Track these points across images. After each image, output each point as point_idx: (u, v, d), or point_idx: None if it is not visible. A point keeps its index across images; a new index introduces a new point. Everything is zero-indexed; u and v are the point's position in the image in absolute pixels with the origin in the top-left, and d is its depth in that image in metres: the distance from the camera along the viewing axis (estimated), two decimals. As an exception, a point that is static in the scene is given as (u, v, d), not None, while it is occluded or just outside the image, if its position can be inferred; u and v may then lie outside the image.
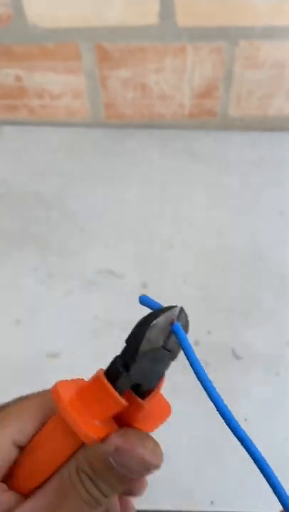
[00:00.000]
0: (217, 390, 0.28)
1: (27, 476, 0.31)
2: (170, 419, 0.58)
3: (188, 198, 0.77)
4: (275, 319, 0.65)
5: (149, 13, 0.72)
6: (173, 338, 0.29)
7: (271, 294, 0.67)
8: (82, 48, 0.77)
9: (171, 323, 0.29)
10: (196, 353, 0.29)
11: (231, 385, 0.59)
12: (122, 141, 0.85)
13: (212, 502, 0.52)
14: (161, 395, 0.32)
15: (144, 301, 0.32)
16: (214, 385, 0.28)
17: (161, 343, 0.28)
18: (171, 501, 0.53)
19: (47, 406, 0.32)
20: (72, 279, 0.69)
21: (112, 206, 0.76)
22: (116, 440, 0.28)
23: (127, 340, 0.29)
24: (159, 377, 0.31)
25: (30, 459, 0.31)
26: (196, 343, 0.61)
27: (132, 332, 0.29)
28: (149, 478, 0.53)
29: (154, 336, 0.28)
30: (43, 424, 0.31)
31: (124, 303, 0.67)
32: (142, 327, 0.28)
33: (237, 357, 0.61)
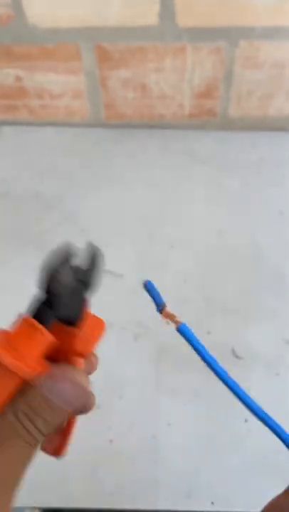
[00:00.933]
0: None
1: None
2: (171, 419, 0.58)
3: (188, 198, 0.77)
4: (275, 319, 0.65)
5: (149, 14, 0.72)
6: (84, 270, 0.32)
7: (271, 294, 0.67)
8: (83, 48, 0.77)
9: (69, 256, 0.31)
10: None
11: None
12: (122, 141, 0.85)
13: (212, 502, 0.52)
14: (92, 315, 0.34)
15: (148, 286, 0.33)
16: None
17: (70, 277, 0.31)
18: (172, 501, 0.54)
19: None
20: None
21: (112, 206, 0.76)
22: (48, 371, 0.31)
23: (40, 281, 0.31)
24: (82, 306, 0.33)
25: None
26: (196, 343, 0.61)
27: (42, 274, 0.31)
28: (151, 478, 0.53)
29: (60, 270, 0.31)
30: None
31: (124, 303, 0.67)
32: (50, 266, 0.32)
33: (237, 357, 0.61)
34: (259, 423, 0.57)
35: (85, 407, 0.31)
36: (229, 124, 0.86)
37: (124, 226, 0.74)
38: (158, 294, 0.33)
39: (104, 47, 0.77)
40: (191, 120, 0.86)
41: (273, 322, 0.65)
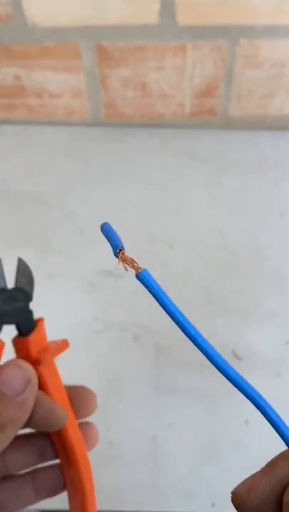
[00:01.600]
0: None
1: None
2: (171, 420, 0.58)
3: (188, 198, 0.77)
4: (276, 319, 0.65)
5: (149, 12, 0.72)
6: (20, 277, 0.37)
7: (272, 294, 0.67)
8: (82, 46, 0.77)
9: None
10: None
11: (232, 387, 0.59)
12: (121, 140, 0.84)
13: (213, 504, 0.52)
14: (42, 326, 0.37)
15: (104, 228, 0.31)
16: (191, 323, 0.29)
17: (2, 284, 0.35)
18: (172, 503, 0.53)
19: None
20: (72, 279, 0.69)
21: (112, 206, 0.76)
22: None
23: None
24: (26, 312, 0.36)
25: None
26: (197, 343, 0.60)
27: None
28: (150, 479, 0.53)
29: None
30: None
31: (124, 303, 0.66)
32: None
33: (238, 357, 0.61)
34: (260, 425, 0.57)
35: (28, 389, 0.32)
36: (230, 123, 0.86)
37: (123, 226, 0.73)
38: (116, 236, 0.31)
39: (104, 45, 0.77)
40: (192, 119, 0.86)
41: (274, 323, 0.64)
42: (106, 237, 0.30)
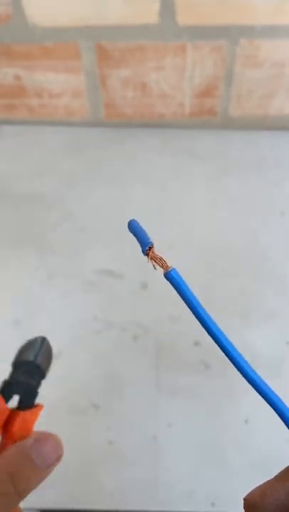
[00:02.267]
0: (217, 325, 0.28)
1: None
2: (170, 420, 0.58)
3: (188, 198, 0.77)
4: (276, 320, 0.65)
5: (149, 12, 0.72)
6: (42, 355, 0.37)
7: (272, 294, 0.67)
8: (82, 47, 0.77)
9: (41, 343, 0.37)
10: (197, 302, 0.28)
11: (232, 387, 0.59)
12: (121, 140, 0.84)
13: (213, 503, 0.52)
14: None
15: (132, 225, 0.30)
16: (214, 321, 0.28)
17: (31, 357, 0.36)
18: (172, 502, 0.53)
19: None
20: (72, 279, 0.69)
21: (112, 206, 0.76)
22: (33, 436, 0.33)
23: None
24: (33, 393, 0.36)
25: None
26: (197, 343, 0.60)
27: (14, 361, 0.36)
28: (150, 479, 0.53)
29: (24, 351, 0.36)
30: None
31: (124, 303, 0.66)
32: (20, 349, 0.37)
33: (237, 357, 0.61)
34: (260, 425, 0.57)
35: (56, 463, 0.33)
36: (229, 123, 0.86)
37: (123, 226, 0.73)
38: (144, 233, 0.30)
39: (104, 46, 0.77)
40: (192, 119, 0.86)
41: (274, 323, 0.64)
42: (134, 234, 0.29)
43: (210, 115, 0.85)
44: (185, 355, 0.61)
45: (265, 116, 0.85)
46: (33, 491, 0.31)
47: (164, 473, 0.56)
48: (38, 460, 0.31)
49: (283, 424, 0.26)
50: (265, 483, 0.25)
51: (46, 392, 0.36)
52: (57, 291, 0.68)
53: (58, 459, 0.33)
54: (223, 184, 0.78)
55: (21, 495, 0.30)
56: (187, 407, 0.58)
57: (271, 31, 0.74)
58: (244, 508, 0.25)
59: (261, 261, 0.70)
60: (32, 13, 0.74)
